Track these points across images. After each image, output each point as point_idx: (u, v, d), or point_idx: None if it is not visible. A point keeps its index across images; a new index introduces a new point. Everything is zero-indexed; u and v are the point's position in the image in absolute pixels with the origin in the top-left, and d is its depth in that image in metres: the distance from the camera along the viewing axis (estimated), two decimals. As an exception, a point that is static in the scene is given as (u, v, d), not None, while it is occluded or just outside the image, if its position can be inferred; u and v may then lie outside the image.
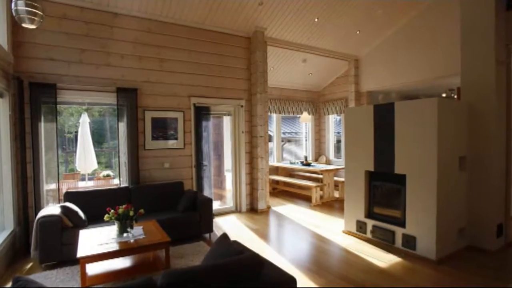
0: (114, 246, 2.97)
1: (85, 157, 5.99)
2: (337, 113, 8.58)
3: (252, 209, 6.10)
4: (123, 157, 4.78)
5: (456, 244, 3.85)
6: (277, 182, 8.11)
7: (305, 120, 7.61)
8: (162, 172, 5.08)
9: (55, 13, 4.25)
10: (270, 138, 8.17)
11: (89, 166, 6.10)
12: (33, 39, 4.14)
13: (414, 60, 6.35)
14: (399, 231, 3.92)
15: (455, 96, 6.49)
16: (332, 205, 6.56)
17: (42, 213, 3.63)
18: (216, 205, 5.92)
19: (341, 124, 9.09)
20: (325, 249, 4.04)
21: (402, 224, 3.92)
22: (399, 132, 3.89)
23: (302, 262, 3.65)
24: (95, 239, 3.13)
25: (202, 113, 5.49)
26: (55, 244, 3.44)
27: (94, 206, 4.06)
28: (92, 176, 7.22)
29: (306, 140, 9.36)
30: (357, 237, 4.44)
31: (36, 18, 2.70)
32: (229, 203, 6.17)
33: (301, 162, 7.92)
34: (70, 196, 4.11)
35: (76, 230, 3.53)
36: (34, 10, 2.66)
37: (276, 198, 7.30)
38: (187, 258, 3.67)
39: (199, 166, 5.44)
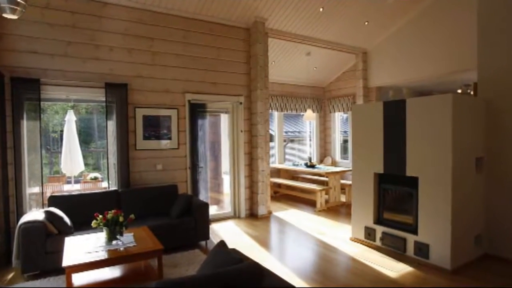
0: (102, 255, 2.97)
1: (71, 158, 5.99)
2: (343, 111, 8.58)
3: (252, 215, 6.10)
4: (112, 158, 4.78)
5: (472, 252, 3.85)
6: (279, 185, 8.11)
7: (309, 118, 7.61)
8: (154, 174, 5.08)
9: (38, 3, 4.26)
10: (271, 138, 8.17)
11: (75, 168, 6.09)
12: (14, 31, 4.14)
13: (427, 53, 6.35)
14: (410, 238, 3.92)
15: (471, 92, 6.50)
16: (338, 210, 6.55)
17: (25, 218, 3.63)
18: (212, 210, 5.93)
19: (348, 123, 9.10)
20: (330, 258, 4.04)
21: (414, 230, 3.92)
22: (410, 131, 3.89)
23: (305, 271, 3.65)
24: (82, 247, 3.13)
25: (197, 110, 5.50)
26: (38, 252, 3.44)
27: (81, 211, 4.06)
28: (79, 179, 7.23)
29: (310, 140, 9.36)
30: (365, 245, 4.44)
31: (18, 8, 2.70)
32: (227, 208, 6.17)
33: (304, 163, 7.92)
34: (55, 200, 4.10)
35: (62, 237, 3.53)
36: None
37: (277, 202, 7.30)
38: (182, 267, 3.67)
39: (194, 168, 5.44)
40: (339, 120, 9.09)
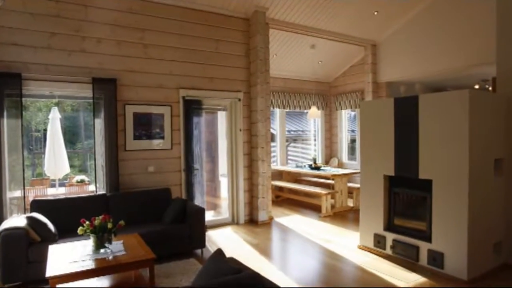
0: (89, 264, 2.97)
1: (56, 159, 5.99)
2: (351, 108, 8.58)
3: (252, 221, 6.10)
4: (100, 160, 4.78)
5: (491, 262, 3.84)
6: (281, 188, 8.12)
7: (314, 116, 7.60)
8: (145, 177, 5.08)
9: (20, -9, 4.25)
10: (272, 137, 8.16)
11: (60, 170, 6.09)
12: (-6, 21, 4.14)
13: (441, 46, 6.35)
14: (424, 247, 3.92)
15: (490, 88, 6.49)
16: (345, 216, 6.55)
17: (5, 225, 3.63)
18: (209, 216, 5.92)
19: (356, 121, 9.09)
20: (337, 268, 4.04)
21: (427, 238, 3.92)
22: (424, 130, 3.89)
23: (310, 282, 3.64)
24: (67, 256, 3.13)
25: (193, 107, 5.50)
26: (20, 261, 3.44)
27: (66, 217, 4.05)
28: (64, 182, 7.23)
29: (315, 139, 9.36)
30: (374, 253, 4.44)
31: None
32: (225, 213, 6.17)
33: (309, 165, 7.93)
34: (38, 205, 4.10)
35: (45, 245, 3.53)
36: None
37: (279, 207, 7.30)
38: (175, 277, 3.67)
39: (189, 170, 5.44)
40: (346, 118, 9.10)
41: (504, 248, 4.01)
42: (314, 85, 8.75)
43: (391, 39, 7.29)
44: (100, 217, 3.27)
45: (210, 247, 4.70)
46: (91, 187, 6.14)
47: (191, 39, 5.45)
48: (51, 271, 2.84)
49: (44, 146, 6.91)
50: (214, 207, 6.45)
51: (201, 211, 4.49)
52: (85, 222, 3.23)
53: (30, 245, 3.53)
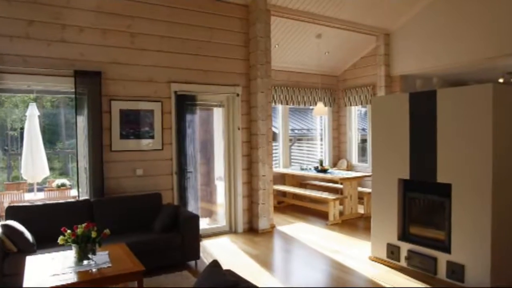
0: (71, 277, 2.96)
1: (34, 161, 5.99)
2: (361, 104, 8.58)
3: (251, 229, 6.10)
4: (83, 162, 4.78)
5: (517, 275, 3.84)
6: (284, 193, 8.11)
7: (320, 113, 7.60)
8: (133, 180, 5.08)
9: (-6, -26, 4.26)
10: (274, 137, 8.16)
11: (38, 173, 6.09)
12: (-35, 8, 4.14)
13: (462, 35, 6.35)
14: (442, 258, 3.92)
15: (516, 82, 6.49)
16: (355, 224, 6.55)
17: (-22, 234, 3.62)
18: (204, 224, 5.92)
19: (367, 118, 9.09)
20: (346, 281, 4.04)
21: (446, 248, 3.92)
22: (442, 128, 3.89)
23: (316, 298, 3.64)
24: (47, 268, 3.12)
25: (186, 103, 5.50)
26: (-6, 274, 3.43)
27: (45, 225, 4.05)
28: (43, 186, 7.22)
29: (321, 139, 9.36)
30: (387, 265, 4.44)
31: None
32: (221, 221, 6.17)
33: (315, 167, 7.92)
34: (14, 211, 4.09)
35: (22, 256, 3.52)
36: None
37: (282, 214, 7.30)
38: (167, 292, 3.67)
39: (181, 173, 5.44)
40: (356, 115, 9.10)
41: (532, 259, 4.00)
42: (320, 78, 8.75)
43: (406, 28, 7.29)
44: (83, 225, 3.27)
45: (205, 259, 4.70)
46: (73, 192, 6.14)
47: (184, 27, 5.45)
48: (28, 284, 2.84)
49: (21, 146, 6.91)
50: (210, 214, 6.45)
51: (195, 219, 4.49)
52: (66, 231, 3.23)
53: (5, 257, 3.52)
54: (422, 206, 4.25)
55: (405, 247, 4.29)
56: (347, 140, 9.09)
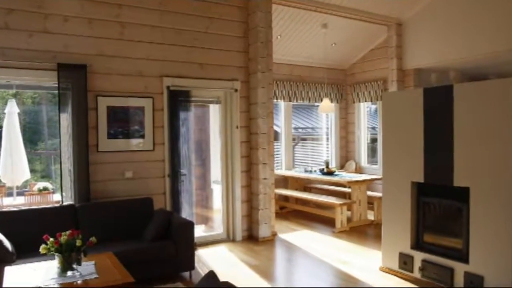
0: (54, 290, 2.96)
1: (13, 162, 5.99)
2: (371, 100, 8.58)
3: (251, 237, 6.10)
4: (67, 163, 4.78)
5: (541, 287, 3.84)
6: (287, 198, 8.11)
7: (326, 110, 7.60)
8: (122, 184, 5.08)
9: (-30, -42, 4.26)
10: (276, 136, 8.16)
11: (18, 175, 6.09)
12: None
13: (482, 25, 6.34)
14: (459, 268, 3.92)
15: (540, 76, 6.48)
16: (364, 232, 6.55)
17: (-48, 242, 3.62)
18: (199, 231, 5.93)
19: (377, 116, 9.10)
20: (354, 294, 4.04)
21: (464, 258, 3.92)
22: (460, 126, 3.88)
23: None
24: (27, 280, 3.12)
25: (179, 100, 5.50)
26: (-30, 286, 3.44)
27: (26, 233, 4.05)
28: (23, 190, 7.22)
29: (327, 138, 9.35)
30: (400, 277, 4.44)
31: None
32: (218, 228, 6.17)
33: (320, 170, 7.92)
34: (-8, 218, 4.09)
35: (0, 266, 3.52)
36: None
37: (285, 221, 7.30)
38: (158, 306, 3.67)
39: (175, 175, 5.44)
40: (365, 112, 9.09)
41: (557, 270, 4.00)
42: (326, 72, 8.75)
43: (420, 17, 7.28)
44: (67, 232, 3.27)
45: (201, 269, 4.70)
46: (56, 197, 6.14)
47: (178, 16, 5.45)
48: (7, 298, 2.84)
49: (-1, 146, 6.90)
50: (205, 220, 6.45)
51: (189, 226, 4.49)
52: (48, 239, 3.23)
53: (-18, 267, 3.51)
54: (438, 212, 4.25)
55: (419, 256, 4.29)
56: (355, 140, 9.08)
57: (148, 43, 5.26)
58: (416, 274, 4.30)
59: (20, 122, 6.29)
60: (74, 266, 3.25)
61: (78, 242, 3.22)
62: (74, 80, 4.72)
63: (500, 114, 3.59)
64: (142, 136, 5.24)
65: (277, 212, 7.41)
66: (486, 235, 3.71)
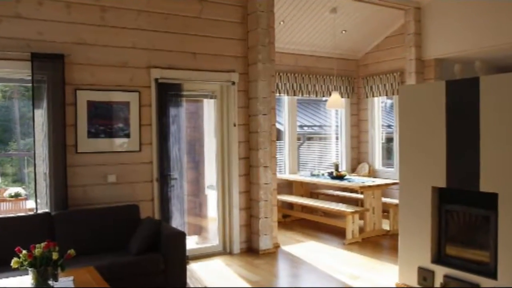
0: (27, 309, 2.97)
1: (-19, 165, 5.99)
2: (386, 95, 8.58)
3: (250, 250, 6.10)
4: (42, 166, 4.78)
5: None
6: (291, 205, 8.11)
7: (336, 105, 7.60)
8: (105, 189, 5.09)
9: None
10: (279, 135, 8.16)
11: (-14, 180, 6.09)
12: None
13: None
14: (486, 284, 3.91)
15: None
16: (378, 243, 6.55)
17: None
18: (191, 243, 5.93)
19: (393, 112, 9.10)
20: (367, 314, 4.05)
21: (491, 273, 3.91)
22: (487, 124, 3.89)
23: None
24: (-3, 298, 3.13)
25: (169, 94, 5.50)
26: None
27: (-5, 245, 4.05)
28: (-8, 197, 7.23)
29: (337, 138, 9.35)
30: (419, 295, 4.44)
31: None
32: (213, 239, 6.17)
33: (329, 173, 7.92)
34: (-43, 228, 4.10)
35: (-34, 283, 3.53)
36: None
37: (289, 231, 7.30)
38: (145, 328, 3.67)
39: (164, 180, 5.45)
40: (380, 108, 9.09)
41: None
42: (335, 63, 8.75)
43: (441, 0, 7.28)
44: (42, 244, 3.27)
45: (193, 285, 4.70)
46: (30, 204, 6.13)
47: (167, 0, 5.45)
48: (-26, 318, 2.84)
49: (-35, 147, 6.90)
50: (199, 230, 6.45)
51: (180, 237, 4.49)
52: (21, 252, 3.23)
53: None
54: (462, 221, 4.24)
55: (440, 271, 4.28)
56: (368, 140, 9.08)
57: (133, 29, 5.26)
58: (438, 291, 4.30)
59: (-12, 120, 6.29)
60: (50, 282, 3.25)
61: (55, 255, 3.22)
62: (50, 72, 4.72)
63: (532, 110, 3.60)
64: (127, 135, 5.24)
65: (279, 221, 7.42)
66: (517, 247, 3.71)
